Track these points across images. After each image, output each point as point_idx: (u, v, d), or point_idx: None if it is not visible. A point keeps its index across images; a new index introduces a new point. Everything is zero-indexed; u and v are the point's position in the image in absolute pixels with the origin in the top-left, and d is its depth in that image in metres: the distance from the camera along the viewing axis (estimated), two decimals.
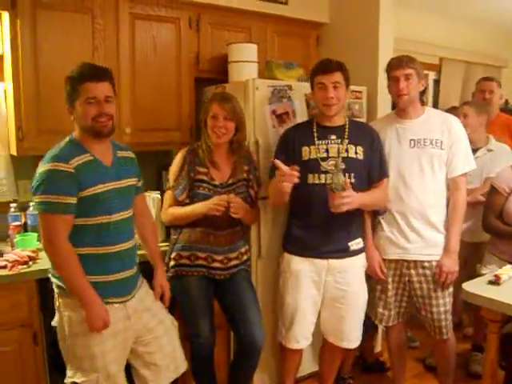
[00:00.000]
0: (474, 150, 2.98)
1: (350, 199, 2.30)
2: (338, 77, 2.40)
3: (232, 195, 2.40)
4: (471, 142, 2.95)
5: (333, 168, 2.37)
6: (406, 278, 2.63)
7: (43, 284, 2.30)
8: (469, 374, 3.15)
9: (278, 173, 2.29)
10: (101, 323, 1.92)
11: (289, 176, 2.26)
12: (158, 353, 2.18)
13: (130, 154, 2.18)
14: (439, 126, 2.56)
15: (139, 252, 2.26)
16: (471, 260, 3.00)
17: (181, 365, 2.28)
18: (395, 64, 2.53)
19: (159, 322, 2.19)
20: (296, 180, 2.27)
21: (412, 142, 2.56)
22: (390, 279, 2.66)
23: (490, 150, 3.03)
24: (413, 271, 2.60)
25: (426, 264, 2.57)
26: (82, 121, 1.94)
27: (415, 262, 2.59)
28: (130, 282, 2.09)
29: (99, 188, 1.94)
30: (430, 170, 2.54)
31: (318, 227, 2.48)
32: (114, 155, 2.06)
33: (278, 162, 2.29)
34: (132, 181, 2.12)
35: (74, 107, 1.94)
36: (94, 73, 1.94)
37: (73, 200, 1.87)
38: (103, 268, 1.99)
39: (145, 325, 2.13)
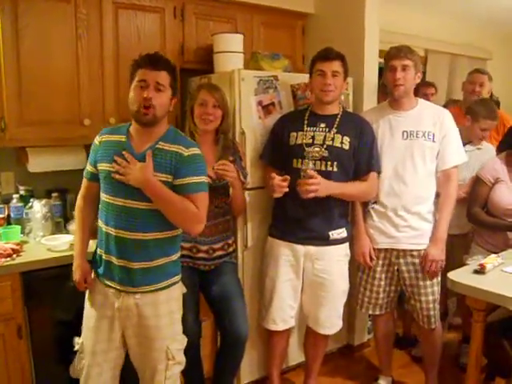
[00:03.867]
0: (464, 143, 3.02)
1: (315, 187, 2.35)
2: (337, 65, 2.46)
3: (219, 161, 2.40)
4: (466, 136, 3.00)
5: (317, 156, 2.47)
6: (395, 267, 2.66)
7: (27, 277, 2.29)
8: (459, 365, 3.16)
9: (270, 182, 2.45)
10: (75, 277, 2.08)
11: (278, 187, 2.39)
12: (136, 361, 2.11)
13: (179, 149, 1.94)
14: (431, 119, 2.57)
15: None
16: (458, 251, 3.03)
17: None
18: (394, 53, 2.53)
19: (147, 336, 2.01)
20: (285, 190, 2.41)
21: (405, 133, 2.57)
22: (378, 268, 2.69)
23: (478, 149, 3.06)
24: (402, 260, 2.63)
25: (415, 253, 2.60)
26: (130, 105, 1.95)
27: (404, 250, 2.62)
28: (134, 276, 1.97)
29: (109, 166, 1.95)
30: (422, 162, 2.56)
31: (298, 213, 2.51)
32: (152, 145, 1.94)
33: (273, 174, 2.44)
34: (157, 176, 1.90)
35: (130, 91, 1.96)
36: (153, 59, 1.94)
37: (91, 169, 2.07)
38: (101, 243, 2.04)
39: (131, 327, 2.02)
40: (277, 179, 2.41)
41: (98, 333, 2.03)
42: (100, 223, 2.04)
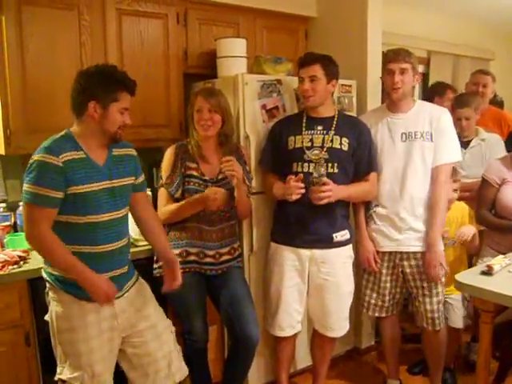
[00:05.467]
0: (467, 142, 3.03)
1: (329, 193, 2.35)
2: (314, 70, 2.45)
3: (225, 158, 2.36)
4: (464, 134, 3.00)
5: (315, 158, 2.46)
6: (400, 269, 2.66)
7: (35, 284, 2.29)
8: (467, 363, 3.17)
9: (286, 185, 2.42)
10: (103, 295, 1.89)
11: (295, 188, 2.37)
12: (145, 357, 2.13)
13: (129, 151, 2.11)
14: (428, 118, 2.57)
15: (134, 250, 2.31)
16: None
17: (176, 373, 2.19)
18: (392, 57, 2.53)
19: (150, 325, 2.12)
20: (303, 191, 2.38)
21: (403, 135, 2.58)
22: (384, 271, 2.69)
23: (482, 140, 3.06)
24: (405, 262, 2.63)
25: (419, 255, 2.60)
26: (107, 124, 1.92)
27: (408, 253, 2.62)
28: (118, 281, 2.02)
29: (87, 187, 1.90)
30: (422, 163, 2.56)
31: (301, 216, 2.51)
32: (109, 154, 2.01)
33: (288, 176, 2.41)
34: (126, 180, 2.06)
35: (106, 108, 1.90)
36: (134, 85, 1.99)
37: (58, 194, 1.84)
38: (90, 267, 1.92)
39: (133, 326, 2.09)
40: (293, 180, 2.39)
41: (102, 349, 2.00)
42: (77, 247, 1.93)
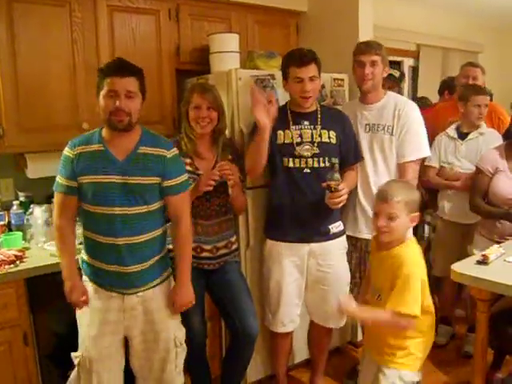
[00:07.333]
0: (466, 134, 3.07)
1: (345, 196, 2.40)
2: (313, 70, 2.43)
3: (220, 163, 2.36)
4: (465, 125, 3.03)
5: (309, 154, 2.48)
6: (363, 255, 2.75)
7: (32, 283, 2.28)
8: (463, 354, 3.19)
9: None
10: (72, 298, 2.01)
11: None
12: (143, 356, 2.14)
13: (159, 151, 2.02)
14: (392, 111, 2.63)
15: None
16: (463, 242, 3.08)
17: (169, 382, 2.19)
18: (363, 49, 2.61)
19: (151, 330, 2.10)
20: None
21: (367, 126, 2.67)
22: (352, 254, 2.77)
23: (481, 134, 3.09)
24: (364, 248, 2.71)
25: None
26: (102, 113, 1.95)
27: (366, 240, 2.68)
28: (132, 278, 2.02)
29: (93, 178, 1.95)
30: (381, 156, 2.64)
31: (296, 212, 2.51)
32: (134, 150, 1.99)
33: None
34: (146, 179, 1.98)
35: (98, 97, 1.95)
36: (120, 67, 1.93)
37: (69, 182, 1.98)
38: (102, 256, 2.03)
39: (136, 326, 2.08)
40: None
41: (102, 339, 2.04)
42: (91, 234, 2.03)
